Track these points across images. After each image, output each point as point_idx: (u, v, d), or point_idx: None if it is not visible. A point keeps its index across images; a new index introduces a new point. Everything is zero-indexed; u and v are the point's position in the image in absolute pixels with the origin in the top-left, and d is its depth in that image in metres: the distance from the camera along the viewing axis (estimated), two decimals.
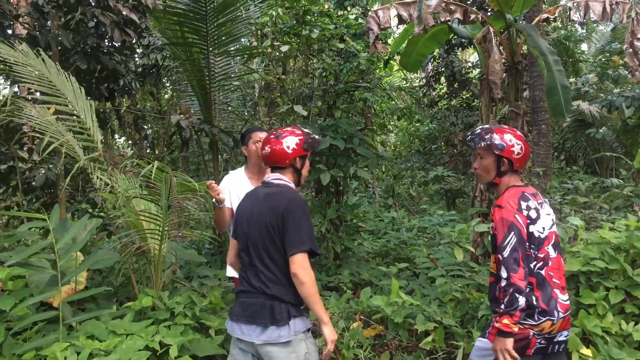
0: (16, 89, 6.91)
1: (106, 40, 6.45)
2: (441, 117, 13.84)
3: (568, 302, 2.65)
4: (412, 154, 15.95)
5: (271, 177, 2.79)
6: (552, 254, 2.65)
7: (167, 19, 6.06)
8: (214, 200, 3.62)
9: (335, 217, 6.35)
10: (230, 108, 7.84)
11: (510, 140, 2.68)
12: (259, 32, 7.78)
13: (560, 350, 2.66)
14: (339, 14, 7.79)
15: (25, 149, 6.20)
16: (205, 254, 7.06)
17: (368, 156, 6.20)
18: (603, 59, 14.38)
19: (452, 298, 4.54)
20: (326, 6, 8.04)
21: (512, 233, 2.53)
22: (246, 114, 9.05)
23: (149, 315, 3.98)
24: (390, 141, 19.43)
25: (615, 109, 10.56)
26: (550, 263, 2.63)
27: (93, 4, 5.75)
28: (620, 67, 12.59)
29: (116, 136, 16.57)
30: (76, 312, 3.98)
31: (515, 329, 2.50)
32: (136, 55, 9.25)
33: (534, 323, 2.54)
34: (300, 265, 2.50)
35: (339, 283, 5.96)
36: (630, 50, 5.71)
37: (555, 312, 2.56)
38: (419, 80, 17.43)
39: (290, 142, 2.74)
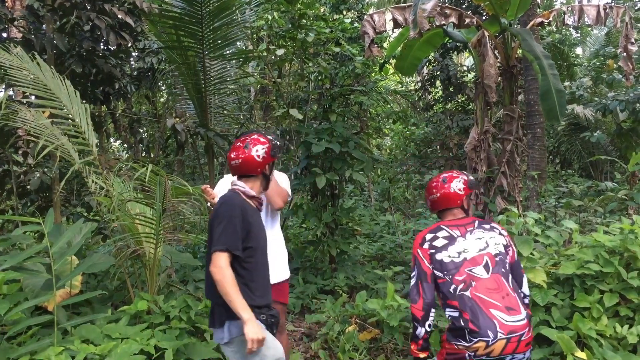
0: (11, 93, 6.91)
1: (101, 44, 6.44)
2: (436, 121, 13.86)
3: (518, 324, 2.53)
4: (407, 158, 15.95)
5: (232, 183, 2.89)
6: (483, 274, 2.63)
7: (162, 23, 6.06)
8: (209, 204, 3.62)
9: (330, 221, 6.35)
10: (226, 111, 7.85)
11: (428, 185, 3.08)
12: (254, 35, 7.79)
13: None
14: (335, 17, 7.81)
15: (20, 152, 6.19)
16: (201, 257, 7.03)
17: (363, 160, 6.21)
18: (597, 63, 14.45)
19: None
20: (322, 10, 8.06)
21: (416, 266, 2.79)
22: (242, 117, 9.07)
23: (144, 319, 3.97)
24: (386, 145, 19.45)
25: (610, 113, 10.58)
26: (474, 284, 2.61)
27: (88, 7, 5.74)
28: (615, 70, 12.67)
29: (111, 139, 16.56)
30: (71, 316, 3.96)
31: (421, 355, 2.76)
32: (132, 59, 9.25)
33: (467, 344, 2.53)
34: (214, 264, 2.54)
35: (334, 287, 5.96)
36: (624, 54, 5.75)
37: (490, 333, 2.48)
38: (415, 84, 17.45)
39: (259, 150, 2.81)
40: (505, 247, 2.78)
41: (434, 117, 14.12)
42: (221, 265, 2.53)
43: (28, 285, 3.91)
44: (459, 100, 14.13)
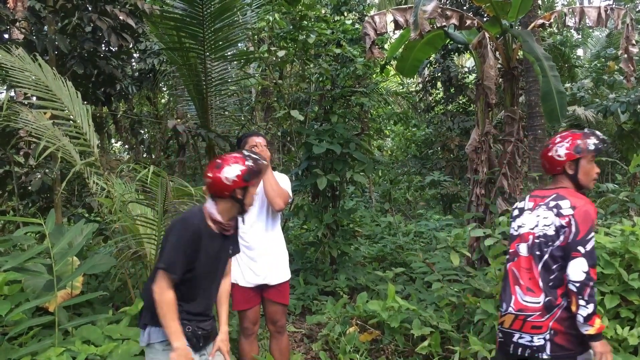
0: (12, 94, 6.92)
1: (103, 45, 6.45)
2: (437, 122, 13.88)
3: (530, 305, 2.57)
4: (408, 159, 15.97)
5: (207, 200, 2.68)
6: (524, 253, 2.70)
7: (164, 24, 6.06)
8: None
9: (331, 222, 6.35)
10: (227, 113, 7.85)
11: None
12: (255, 37, 7.80)
13: (519, 354, 2.58)
14: (336, 19, 7.81)
15: (21, 153, 6.19)
16: None
17: (364, 161, 6.22)
18: (598, 65, 14.43)
19: (448, 303, 4.54)
20: (323, 11, 8.07)
21: None
22: (243, 118, 9.08)
23: None
24: (387, 146, 19.45)
25: (611, 114, 10.60)
26: (515, 259, 2.73)
27: (90, 8, 5.75)
28: (616, 72, 12.67)
29: (113, 141, 16.57)
30: (72, 317, 3.97)
31: None
32: (133, 60, 9.27)
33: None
34: (157, 282, 2.46)
35: (335, 288, 5.96)
36: (625, 55, 5.75)
37: (504, 305, 2.69)
38: (416, 85, 17.44)
39: (229, 173, 2.52)
40: (558, 228, 2.55)
41: (435, 118, 14.14)
42: (160, 285, 2.44)
43: (29, 286, 3.92)
44: (460, 102, 14.14)
